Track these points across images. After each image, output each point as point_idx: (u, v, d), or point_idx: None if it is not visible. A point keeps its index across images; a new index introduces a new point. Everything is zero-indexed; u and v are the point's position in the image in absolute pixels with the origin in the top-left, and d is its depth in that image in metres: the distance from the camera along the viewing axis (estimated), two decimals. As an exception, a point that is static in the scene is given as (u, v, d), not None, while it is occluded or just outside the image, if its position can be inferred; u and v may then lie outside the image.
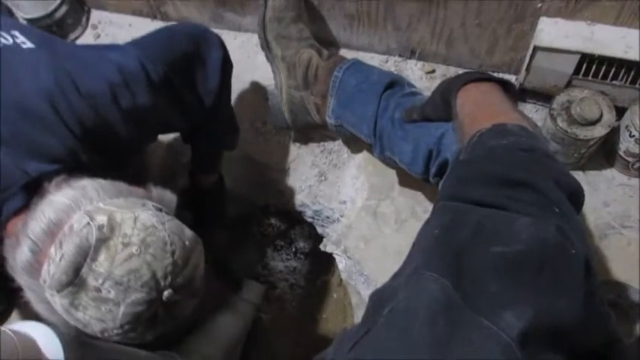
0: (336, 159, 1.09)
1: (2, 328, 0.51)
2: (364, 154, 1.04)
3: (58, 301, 0.57)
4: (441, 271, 0.41)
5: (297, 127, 1.01)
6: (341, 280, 1.21)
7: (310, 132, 1.08)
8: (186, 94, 0.76)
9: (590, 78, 0.89)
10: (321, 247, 1.07)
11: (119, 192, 0.62)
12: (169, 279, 0.58)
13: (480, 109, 0.61)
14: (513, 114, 0.59)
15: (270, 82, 1.02)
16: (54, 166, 0.63)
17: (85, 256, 0.55)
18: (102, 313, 0.57)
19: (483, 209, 0.46)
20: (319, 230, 1.21)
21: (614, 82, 0.88)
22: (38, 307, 0.61)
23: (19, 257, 0.58)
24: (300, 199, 1.12)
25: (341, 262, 1.04)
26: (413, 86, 0.90)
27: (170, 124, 0.80)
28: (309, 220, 1.20)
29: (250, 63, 1.14)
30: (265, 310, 1.26)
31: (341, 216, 1.09)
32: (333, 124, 0.94)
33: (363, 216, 0.99)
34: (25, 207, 0.61)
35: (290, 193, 1.12)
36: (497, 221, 0.44)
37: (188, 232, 0.63)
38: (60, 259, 0.56)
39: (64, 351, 0.58)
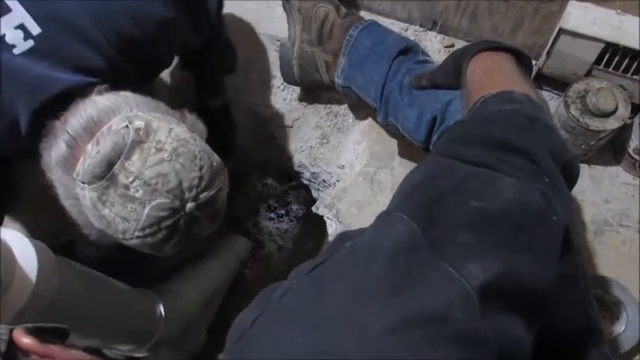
0: (340, 123, 1.07)
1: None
2: (369, 121, 1.02)
3: (87, 195, 0.59)
4: (412, 215, 0.40)
5: (303, 84, 0.99)
6: (330, 247, 1.20)
7: (317, 91, 1.06)
8: (199, 7, 0.79)
9: (610, 69, 0.86)
10: (313, 209, 1.05)
11: (157, 107, 0.65)
12: (194, 192, 0.60)
13: (489, 77, 0.59)
14: (523, 84, 0.57)
15: (286, 34, 0.99)
16: (93, 79, 0.64)
17: (119, 153, 0.58)
18: (127, 212, 0.58)
19: (471, 167, 0.44)
20: (314, 194, 1.20)
21: (635, 76, 0.85)
22: (66, 202, 0.63)
23: (55, 152, 0.60)
24: (299, 159, 1.10)
25: (331, 227, 1.03)
26: (427, 55, 0.87)
27: (186, 40, 0.82)
28: (306, 182, 1.18)
29: (268, 14, 1.12)
30: (250, 267, 1.26)
31: (337, 181, 1.08)
32: (340, 85, 0.91)
33: (359, 181, 0.98)
34: (65, 110, 0.62)
35: (290, 151, 1.10)
36: (481, 178, 0.43)
37: (217, 157, 0.66)
38: (96, 154, 0.58)
39: (38, 261, 0.59)
